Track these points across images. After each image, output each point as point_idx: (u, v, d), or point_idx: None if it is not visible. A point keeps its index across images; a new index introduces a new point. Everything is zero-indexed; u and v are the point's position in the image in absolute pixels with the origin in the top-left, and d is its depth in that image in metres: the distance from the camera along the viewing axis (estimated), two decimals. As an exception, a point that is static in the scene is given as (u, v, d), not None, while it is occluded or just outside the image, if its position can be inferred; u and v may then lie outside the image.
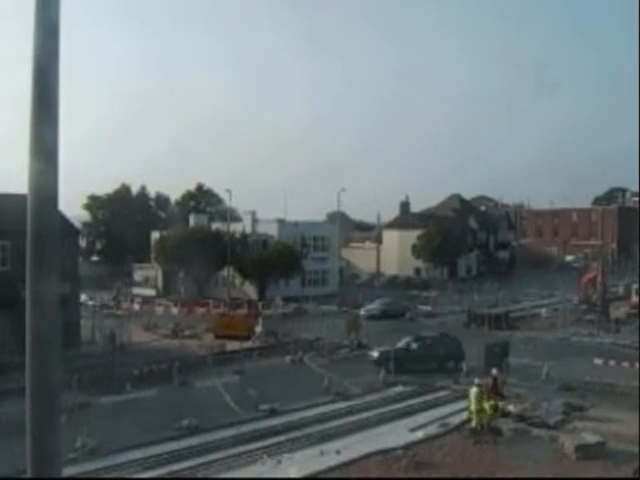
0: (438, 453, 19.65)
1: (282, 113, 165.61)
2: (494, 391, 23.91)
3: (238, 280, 58.51)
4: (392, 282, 70.33)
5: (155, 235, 65.23)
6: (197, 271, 55.22)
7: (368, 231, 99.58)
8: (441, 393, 26.78)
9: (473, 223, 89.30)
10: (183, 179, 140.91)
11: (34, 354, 3.62)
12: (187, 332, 39.93)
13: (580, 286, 51.89)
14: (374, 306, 49.64)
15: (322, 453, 19.31)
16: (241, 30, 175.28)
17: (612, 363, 30.34)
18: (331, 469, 18.30)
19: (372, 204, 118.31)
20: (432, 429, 21.78)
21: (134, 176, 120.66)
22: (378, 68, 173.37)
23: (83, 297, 47.31)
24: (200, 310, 47.50)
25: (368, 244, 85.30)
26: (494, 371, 25.28)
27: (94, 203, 79.56)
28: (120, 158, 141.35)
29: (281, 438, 20.58)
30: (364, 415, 23.22)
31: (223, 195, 75.39)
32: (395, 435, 21.11)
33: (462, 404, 24.23)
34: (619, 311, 48.09)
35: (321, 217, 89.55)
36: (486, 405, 21.70)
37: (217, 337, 38.21)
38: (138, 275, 67.16)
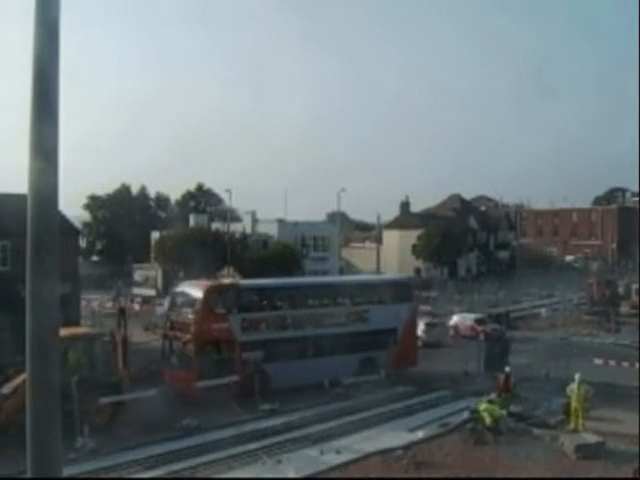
0: (438, 453, 19.64)
1: (283, 113, 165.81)
2: (505, 388, 23.91)
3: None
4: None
5: (155, 235, 65.20)
6: (197, 271, 55.20)
7: (368, 231, 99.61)
8: (441, 393, 26.77)
9: (473, 223, 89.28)
10: (183, 179, 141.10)
11: (34, 354, 3.62)
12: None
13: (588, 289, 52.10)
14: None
15: (322, 453, 19.31)
16: (242, 30, 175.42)
17: (612, 363, 30.36)
18: (331, 469, 18.30)
19: (372, 204, 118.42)
20: (432, 429, 21.77)
21: (134, 176, 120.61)
22: (379, 68, 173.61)
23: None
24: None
25: (368, 244, 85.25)
26: (507, 369, 25.30)
27: (94, 203, 79.50)
28: (120, 158, 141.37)
29: (281, 438, 20.56)
30: (364, 415, 23.20)
31: (223, 195, 75.55)
32: (395, 435, 21.10)
33: (462, 404, 24.23)
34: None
35: (321, 217, 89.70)
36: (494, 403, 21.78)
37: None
38: (138, 275, 67.11)
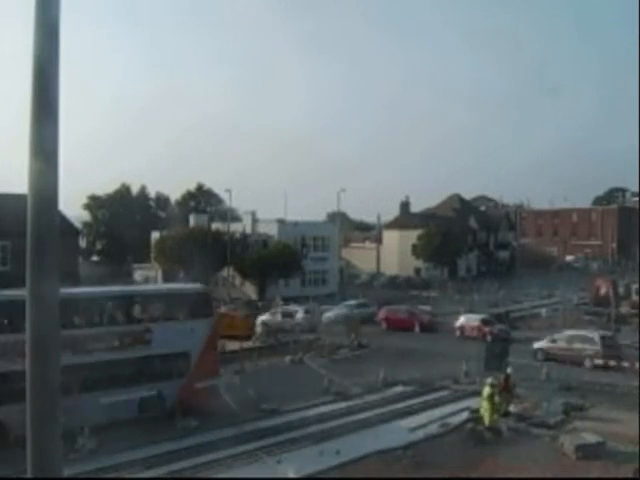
0: (438, 453, 19.63)
1: (283, 113, 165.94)
2: (505, 389, 23.91)
3: (238, 280, 58.52)
4: (392, 282, 70.32)
5: (155, 235, 65.22)
6: (197, 271, 55.27)
7: (368, 231, 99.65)
8: (441, 393, 26.78)
9: (473, 223, 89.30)
10: (183, 179, 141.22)
11: (34, 354, 3.62)
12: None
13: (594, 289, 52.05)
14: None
15: (322, 453, 19.29)
16: (242, 30, 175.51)
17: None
18: (331, 469, 18.28)
19: (372, 204, 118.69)
20: (432, 429, 21.77)
21: (134, 176, 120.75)
22: (379, 68, 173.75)
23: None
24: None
25: (368, 244, 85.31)
26: (509, 369, 25.30)
27: (94, 203, 79.56)
28: (120, 158, 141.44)
29: (281, 438, 20.56)
30: (364, 415, 23.20)
31: (223, 195, 75.60)
32: (395, 435, 21.09)
33: (462, 404, 24.23)
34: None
35: (321, 217, 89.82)
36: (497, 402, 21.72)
37: (217, 337, 38.03)
38: (138, 275, 67.12)
